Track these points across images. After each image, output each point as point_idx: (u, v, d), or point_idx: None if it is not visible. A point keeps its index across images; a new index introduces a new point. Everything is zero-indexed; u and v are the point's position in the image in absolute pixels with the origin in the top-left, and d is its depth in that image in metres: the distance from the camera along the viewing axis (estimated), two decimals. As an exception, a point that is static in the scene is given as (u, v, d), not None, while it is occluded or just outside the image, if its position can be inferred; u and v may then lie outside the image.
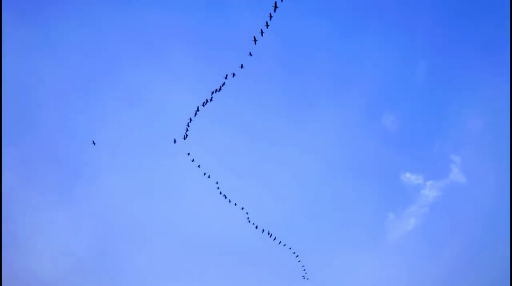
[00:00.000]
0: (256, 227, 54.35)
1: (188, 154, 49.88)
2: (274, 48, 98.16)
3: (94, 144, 49.99)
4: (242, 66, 41.84)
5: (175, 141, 48.63)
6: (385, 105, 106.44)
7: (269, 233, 54.92)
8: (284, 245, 56.02)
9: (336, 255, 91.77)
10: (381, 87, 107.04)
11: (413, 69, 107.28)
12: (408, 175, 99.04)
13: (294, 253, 56.26)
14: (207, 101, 43.61)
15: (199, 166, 50.50)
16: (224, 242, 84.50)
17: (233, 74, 42.70)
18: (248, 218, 53.96)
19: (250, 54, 42.56)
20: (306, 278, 57.49)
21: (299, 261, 56.66)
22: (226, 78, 42.51)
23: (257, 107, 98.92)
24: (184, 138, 47.48)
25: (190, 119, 46.05)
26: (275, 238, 55.25)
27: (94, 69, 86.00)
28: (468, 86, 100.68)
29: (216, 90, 42.91)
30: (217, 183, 52.23)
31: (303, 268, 56.95)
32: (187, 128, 46.62)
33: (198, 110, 44.25)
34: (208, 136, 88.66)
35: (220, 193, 52.42)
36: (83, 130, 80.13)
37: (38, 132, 76.79)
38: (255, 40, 42.67)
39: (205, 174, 51.36)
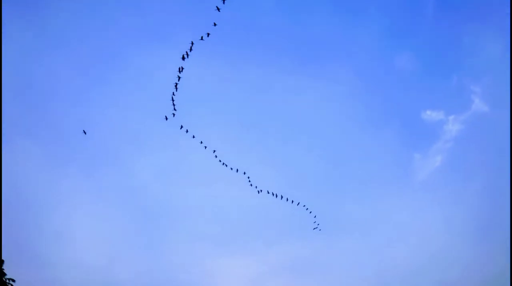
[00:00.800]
0: (259, 191, 54.90)
1: (181, 127, 50.56)
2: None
3: (85, 133, 51.75)
4: (202, 39, 42.07)
5: (166, 119, 49.42)
6: (397, 45, 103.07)
7: (273, 194, 55.52)
8: (292, 202, 56.72)
9: (364, 204, 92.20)
10: (391, 26, 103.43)
11: (422, 1, 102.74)
12: (429, 112, 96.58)
13: (304, 206, 57.11)
14: (180, 70, 43.95)
15: (193, 136, 51.34)
16: (234, 209, 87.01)
17: (201, 37, 42.72)
18: (250, 182, 54.82)
19: (215, 24, 42.44)
20: (318, 229, 58.41)
21: (310, 212, 57.36)
22: (192, 44, 42.53)
23: (257, 63, 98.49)
24: (173, 115, 48.28)
25: (173, 94, 46.73)
26: (281, 197, 56.03)
27: (99, 57, 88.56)
28: (481, 12, 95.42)
29: (184, 57, 42.88)
30: (214, 151, 53.35)
31: (315, 220, 57.81)
32: (173, 103, 47.50)
33: (178, 81, 44.58)
34: (201, 102, 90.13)
35: (220, 161, 53.65)
36: (100, 118, 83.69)
37: (55, 125, 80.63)
38: (218, 9, 42.54)
39: (201, 142, 52.24)
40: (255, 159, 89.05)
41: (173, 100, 47.35)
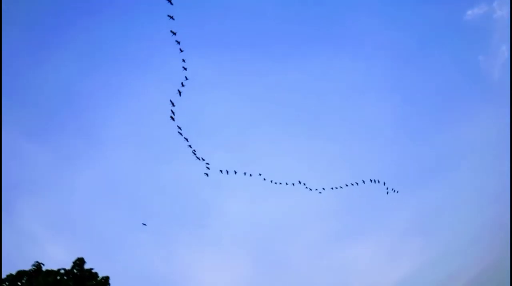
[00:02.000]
0: (321, 191, 54.17)
1: (221, 171, 51.49)
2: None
3: (145, 225, 55.03)
4: (180, 94, 43.16)
5: (207, 175, 50.04)
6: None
7: (336, 187, 54.58)
8: (358, 183, 55.08)
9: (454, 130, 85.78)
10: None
11: None
12: (469, 12, 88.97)
13: (370, 181, 55.30)
14: (181, 132, 45.16)
15: (235, 172, 52.04)
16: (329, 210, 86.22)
17: (179, 92, 43.44)
18: (307, 187, 53.77)
19: (183, 85, 43.06)
20: (396, 191, 56.48)
21: (378, 182, 55.38)
22: (172, 103, 43.22)
23: (271, 59, 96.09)
24: (208, 168, 49.50)
25: (186, 140, 47.35)
26: (346, 185, 54.67)
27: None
28: None
29: (172, 117, 43.74)
30: (260, 174, 53.45)
31: (385, 185, 55.84)
32: (203, 160, 48.71)
33: (187, 141, 45.86)
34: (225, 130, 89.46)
35: (271, 181, 53.63)
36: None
37: (159, 215, 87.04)
38: (183, 85, 43.02)
39: (245, 173, 52.17)
40: (312, 162, 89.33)
41: (197, 156, 49.01)
